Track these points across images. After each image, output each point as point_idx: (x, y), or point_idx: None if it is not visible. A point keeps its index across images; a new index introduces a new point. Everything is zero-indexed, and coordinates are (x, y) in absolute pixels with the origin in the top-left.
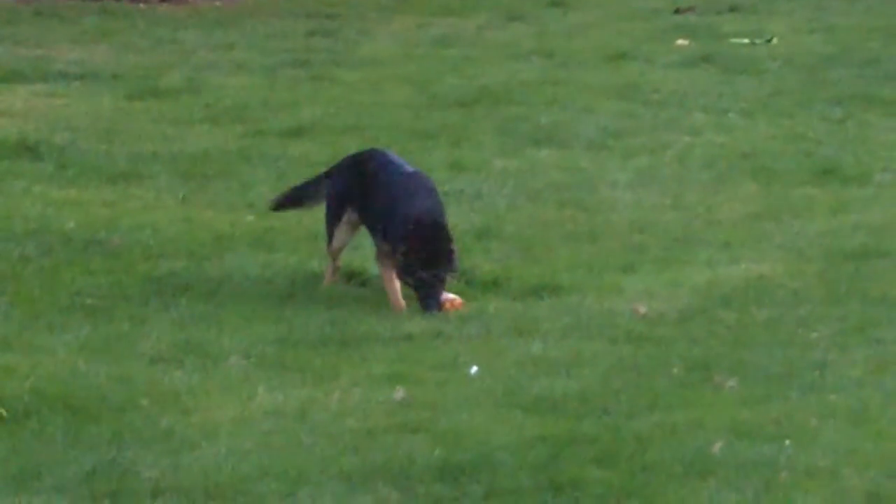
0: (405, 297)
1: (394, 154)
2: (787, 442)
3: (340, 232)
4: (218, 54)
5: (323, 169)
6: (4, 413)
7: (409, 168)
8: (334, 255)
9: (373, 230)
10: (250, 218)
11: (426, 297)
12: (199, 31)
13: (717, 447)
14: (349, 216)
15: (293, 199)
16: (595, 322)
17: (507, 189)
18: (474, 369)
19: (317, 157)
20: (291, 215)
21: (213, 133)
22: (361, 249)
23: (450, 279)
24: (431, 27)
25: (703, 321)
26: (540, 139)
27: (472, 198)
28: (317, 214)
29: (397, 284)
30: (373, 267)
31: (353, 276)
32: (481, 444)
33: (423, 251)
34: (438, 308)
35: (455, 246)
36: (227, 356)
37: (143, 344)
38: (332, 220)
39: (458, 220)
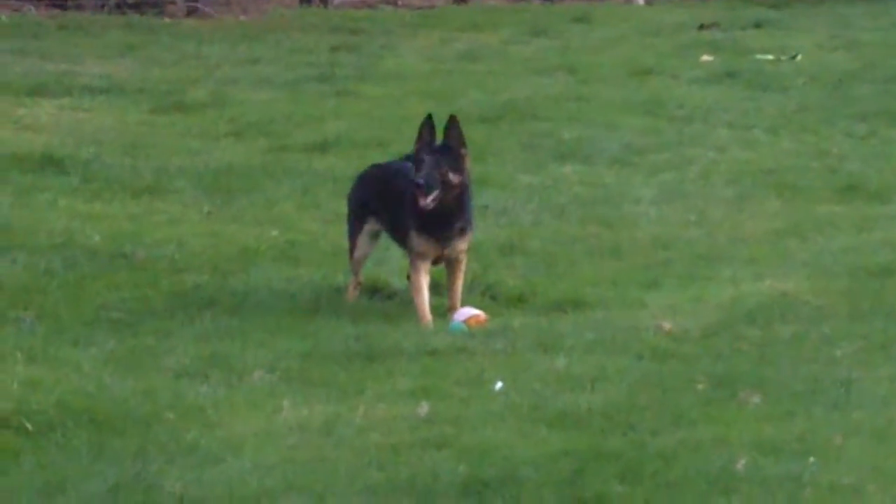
0: (432, 310)
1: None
2: (812, 459)
3: (362, 242)
4: (242, 69)
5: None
6: (30, 427)
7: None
8: (356, 268)
9: (396, 235)
10: (275, 232)
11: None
12: (224, 46)
13: (742, 464)
14: (371, 226)
15: None
16: (619, 337)
17: (531, 204)
18: (499, 385)
19: (341, 171)
20: (316, 229)
21: (238, 147)
22: (387, 264)
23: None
24: (456, 42)
25: (727, 337)
26: (564, 154)
27: (497, 213)
28: (341, 229)
29: (425, 296)
30: (398, 281)
31: (377, 290)
32: (506, 459)
33: None
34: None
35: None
36: (252, 370)
37: (168, 358)
38: (354, 230)
39: (482, 235)
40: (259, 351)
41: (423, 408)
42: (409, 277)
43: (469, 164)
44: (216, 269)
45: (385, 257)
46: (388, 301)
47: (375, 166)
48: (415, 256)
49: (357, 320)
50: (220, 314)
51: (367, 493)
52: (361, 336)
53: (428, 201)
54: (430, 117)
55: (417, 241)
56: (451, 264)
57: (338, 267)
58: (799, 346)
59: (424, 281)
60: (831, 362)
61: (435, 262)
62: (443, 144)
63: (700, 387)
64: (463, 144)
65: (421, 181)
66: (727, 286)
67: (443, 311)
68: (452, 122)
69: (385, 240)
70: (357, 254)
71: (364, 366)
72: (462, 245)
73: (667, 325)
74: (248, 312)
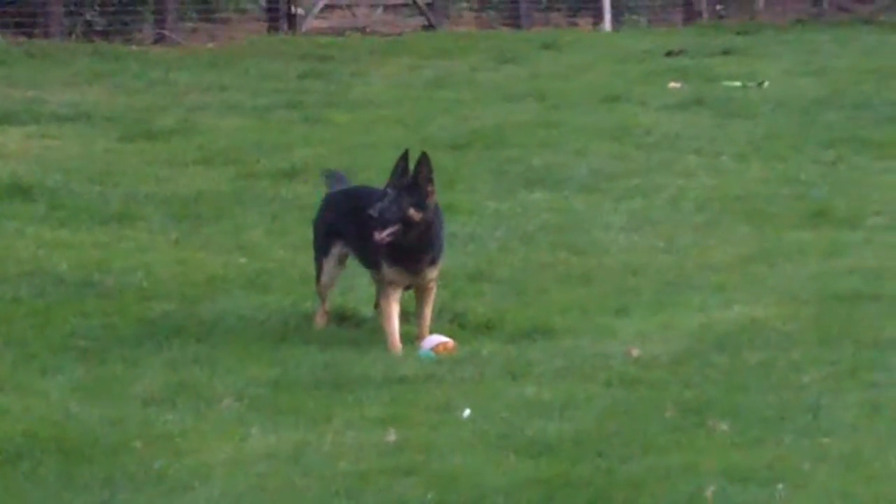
0: (401, 337)
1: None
2: (780, 485)
3: (328, 267)
4: (211, 96)
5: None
6: None
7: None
8: (323, 293)
9: (365, 261)
10: (243, 260)
11: None
12: (192, 73)
13: (711, 491)
14: (338, 249)
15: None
16: (588, 364)
17: (499, 231)
18: (467, 412)
19: (310, 198)
20: (284, 256)
21: (206, 175)
22: (355, 291)
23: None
24: (424, 69)
25: (696, 364)
26: (533, 181)
27: (465, 240)
28: (310, 256)
29: (395, 324)
30: (366, 309)
31: (346, 318)
32: (474, 486)
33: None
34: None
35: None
36: (221, 398)
37: (136, 386)
38: (320, 254)
39: (451, 262)
40: (227, 378)
41: (392, 435)
42: (376, 305)
43: (434, 200)
44: (184, 296)
45: (353, 285)
46: (357, 329)
47: (342, 190)
48: (385, 285)
49: (325, 348)
50: (189, 342)
51: None
52: (330, 363)
53: (382, 235)
54: (405, 153)
55: (388, 271)
56: (421, 292)
57: (307, 294)
58: (767, 373)
59: (395, 309)
60: (800, 389)
61: (406, 289)
62: (410, 180)
63: (669, 414)
64: (430, 181)
65: (375, 214)
66: (696, 313)
67: (411, 338)
68: (422, 158)
69: (353, 266)
70: (324, 279)
71: (332, 393)
72: (432, 273)
73: (635, 352)
74: (216, 340)
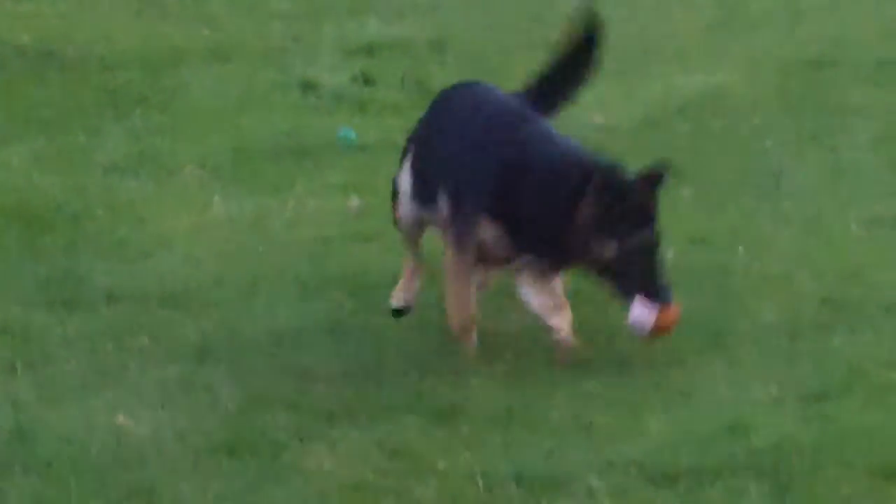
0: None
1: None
2: (741, 248)
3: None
4: None
5: None
6: None
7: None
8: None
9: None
10: (206, 32)
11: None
12: None
13: (671, 254)
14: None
15: None
16: None
17: None
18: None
19: None
20: (248, 28)
21: None
22: (317, 65)
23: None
24: None
25: (659, 132)
26: None
27: (425, 8)
28: (274, 27)
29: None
30: (328, 76)
31: (308, 87)
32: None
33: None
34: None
35: None
36: (183, 167)
37: (99, 155)
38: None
39: (411, 30)
40: (189, 147)
41: (354, 202)
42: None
43: None
44: (146, 66)
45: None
46: (319, 99)
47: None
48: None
49: (287, 116)
50: (151, 111)
51: (297, 286)
52: (292, 131)
53: None
54: None
55: None
56: None
57: (267, 64)
58: (730, 139)
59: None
60: (762, 154)
61: None
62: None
63: None
64: None
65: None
66: (658, 81)
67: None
68: None
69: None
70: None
71: (294, 161)
72: None
73: (599, 120)
74: (178, 109)
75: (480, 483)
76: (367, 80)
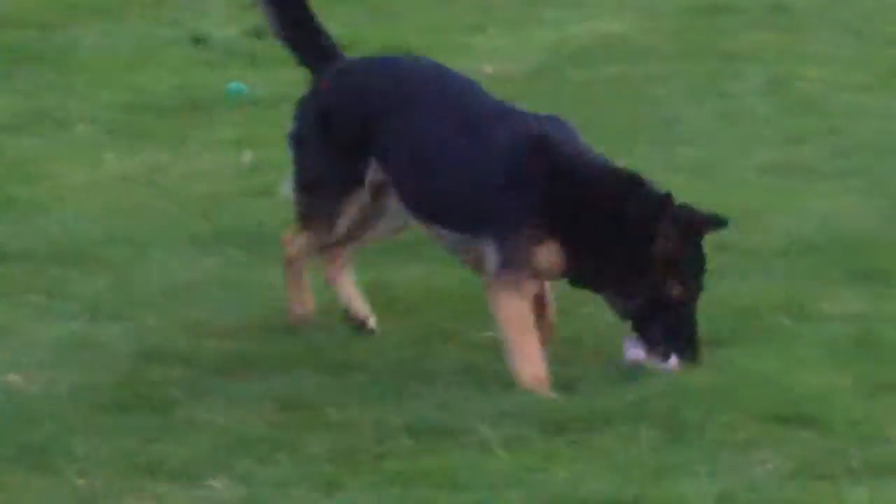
0: None
1: None
2: None
3: None
4: None
5: None
6: None
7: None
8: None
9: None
10: None
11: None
12: None
13: None
14: None
15: None
16: None
17: None
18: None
19: None
20: None
21: None
22: (209, 17)
23: None
24: None
25: (551, 80)
26: None
27: None
28: None
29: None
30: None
31: (199, 41)
32: None
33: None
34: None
35: None
36: (75, 123)
37: None
38: None
39: None
40: (82, 104)
41: (247, 156)
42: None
43: None
44: (40, 24)
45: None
46: (211, 51)
47: None
48: None
49: (180, 70)
50: (43, 68)
51: (192, 242)
52: (184, 85)
53: None
54: None
55: None
56: None
57: (160, 20)
58: (624, 86)
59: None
60: (655, 101)
61: None
62: None
63: None
64: None
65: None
66: (552, 29)
67: None
68: None
69: None
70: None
71: (187, 116)
72: None
73: (489, 70)
74: (70, 66)
75: (373, 434)
76: (258, 34)
